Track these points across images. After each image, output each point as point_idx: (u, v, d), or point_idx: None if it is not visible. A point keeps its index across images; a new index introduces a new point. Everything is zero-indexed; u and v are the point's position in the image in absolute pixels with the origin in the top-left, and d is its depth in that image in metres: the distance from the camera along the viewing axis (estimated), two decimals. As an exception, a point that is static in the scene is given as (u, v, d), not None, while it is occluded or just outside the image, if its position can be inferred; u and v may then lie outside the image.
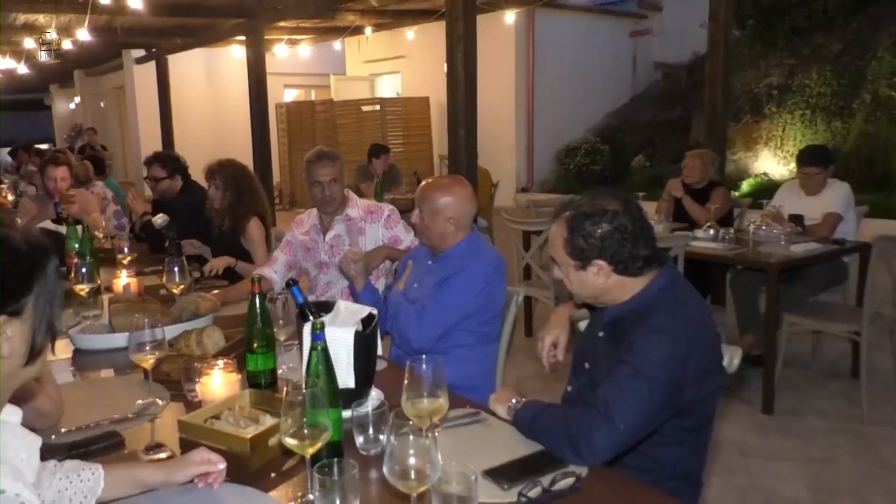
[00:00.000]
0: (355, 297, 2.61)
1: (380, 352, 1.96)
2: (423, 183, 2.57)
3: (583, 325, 2.12)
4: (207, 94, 15.04)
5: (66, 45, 8.37)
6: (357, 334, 1.77)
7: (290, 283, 1.98)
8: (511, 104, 12.16)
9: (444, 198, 2.47)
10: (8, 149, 12.81)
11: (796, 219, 4.43)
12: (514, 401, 1.77)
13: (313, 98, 15.06)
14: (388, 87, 14.67)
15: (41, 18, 9.14)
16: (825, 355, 4.71)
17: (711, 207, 4.83)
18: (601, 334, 1.81)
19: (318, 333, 1.51)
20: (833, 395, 4.13)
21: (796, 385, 4.29)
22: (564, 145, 12.46)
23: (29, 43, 8.40)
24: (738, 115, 10.73)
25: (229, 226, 3.72)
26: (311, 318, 1.90)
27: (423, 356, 1.47)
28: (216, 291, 3.03)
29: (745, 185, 10.10)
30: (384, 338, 2.44)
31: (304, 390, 1.39)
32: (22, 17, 9.15)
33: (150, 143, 13.42)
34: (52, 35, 8.23)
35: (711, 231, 4.45)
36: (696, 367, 1.62)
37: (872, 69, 9.89)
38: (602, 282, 1.74)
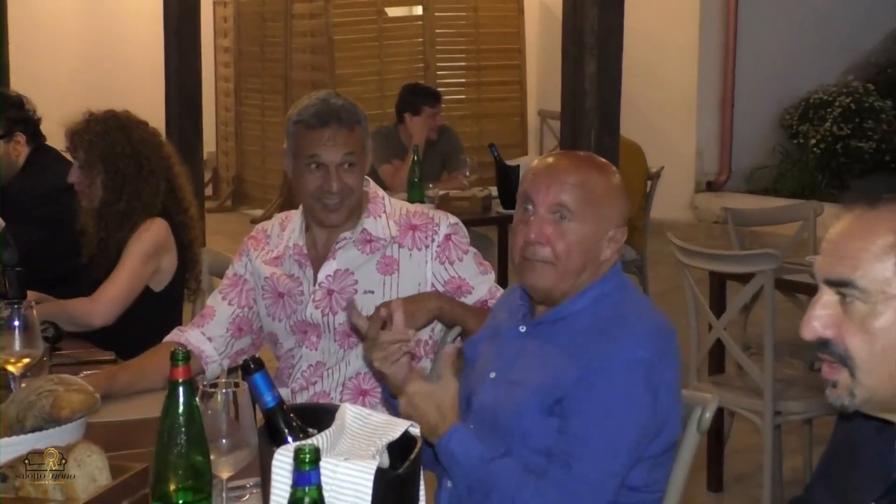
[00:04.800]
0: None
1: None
2: (550, 160, 2.67)
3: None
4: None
5: None
6: (381, 474, 1.80)
7: (250, 367, 2.00)
8: (692, 16, 12.17)
9: (613, 188, 2.62)
10: None
11: None
12: None
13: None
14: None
15: None
16: None
17: None
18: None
19: (305, 471, 1.54)
20: None
21: None
22: (798, 99, 12.35)
23: None
24: None
25: (106, 242, 3.85)
26: (289, 437, 1.93)
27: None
28: (91, 373, 3.07)
29: None
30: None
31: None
32: None
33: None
34: None
35: None
36: None
37: None
38: None
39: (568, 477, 2.41)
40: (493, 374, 2.61)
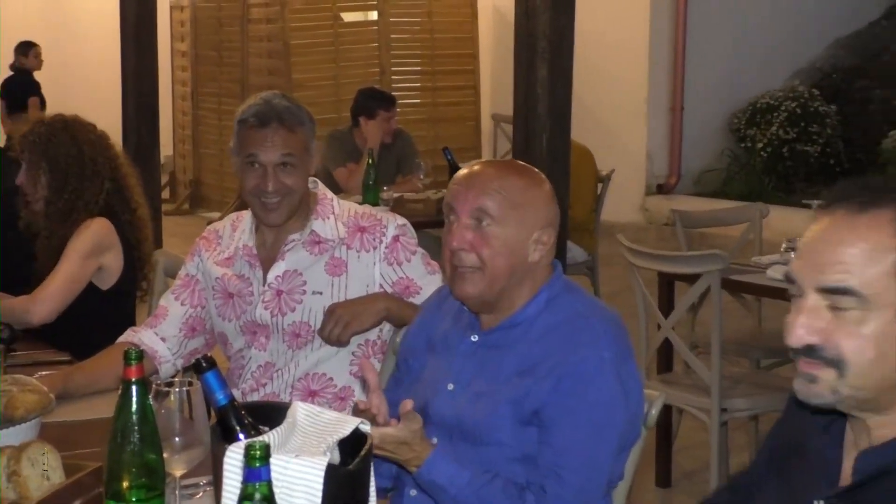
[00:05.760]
0: None
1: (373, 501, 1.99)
2: (472, 168, 2.64)
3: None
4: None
5: None
6: (332, 471, 1.80)
7: (202, 365, 2.01)
8: (642, 21, 12.18)
9: (535, 191, 2.58)
10: None
11: None
12: None
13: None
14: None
15: None
16: None
17: None
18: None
19: (255, 467, 1.54)
20: None
21: None
22: (746, 104, 12.41)
23: None
24: None
25: (49, 241, 3.87)
26: (240, 434, 1.93)
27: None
28: (46, 374, 3.07)
29: None
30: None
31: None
32: None
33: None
34: None
35: None
36: None
37: None
38: None
39: (561, 489, 2.41)
40: (450, 386, 2.59)
